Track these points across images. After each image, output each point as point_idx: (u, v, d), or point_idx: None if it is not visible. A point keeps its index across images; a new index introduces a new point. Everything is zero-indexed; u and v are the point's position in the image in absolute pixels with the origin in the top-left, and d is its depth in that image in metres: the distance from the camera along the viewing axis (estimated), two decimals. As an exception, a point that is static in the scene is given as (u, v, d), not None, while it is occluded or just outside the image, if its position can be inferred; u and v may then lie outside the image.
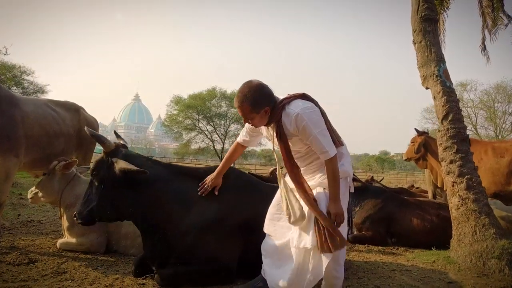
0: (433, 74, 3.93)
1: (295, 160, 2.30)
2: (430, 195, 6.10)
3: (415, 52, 4.26)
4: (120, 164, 2.54)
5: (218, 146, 32.06)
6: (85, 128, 2.80)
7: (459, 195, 3.61)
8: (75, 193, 3.72)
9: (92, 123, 4.65)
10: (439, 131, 3.95)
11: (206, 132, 32.27)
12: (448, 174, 3.74)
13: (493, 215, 3.60)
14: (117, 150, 2.69)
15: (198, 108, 31.29)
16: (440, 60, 3.98)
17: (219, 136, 32.33)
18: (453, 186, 3.68)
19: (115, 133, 3.31)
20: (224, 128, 32.37)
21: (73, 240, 3.60)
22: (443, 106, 3.85)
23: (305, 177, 2.31)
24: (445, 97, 3.85)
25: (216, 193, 2.63)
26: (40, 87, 29.34)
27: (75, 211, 3.61)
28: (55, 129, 4.01)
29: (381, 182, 7.82)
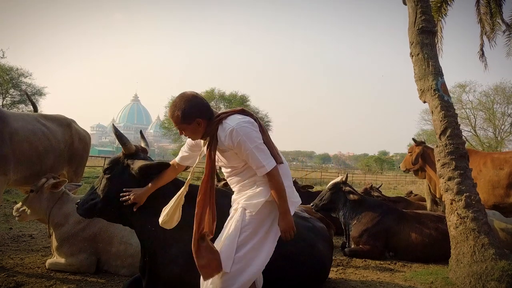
0: (431, 88, 3.85)
1: (232, 177, 2.27)
2: (428, 206, 6.02)
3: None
4: (138, 163, 2.48)
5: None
6: (112, 125, 2.69)
7: (457, 213, 3.53)
8: (64, 211, 3.63)
9: (84, 137, 4.57)
10: (437, 146, 3.87)
11: (205, 134, 32.20)
12: (447, 191, 3.65)
13: (493, 234, 3.51)
14: (136, 154, 2.60)
15: (196, 110, 31.21)
16: (437, 73, 3.90)
17: (218, 138, 32.23)
18: (451, 204, 3.60)
19: (141, 133, 3.20)
20: (222, 130, 32.29)
21: (62, 260, 3.51)
22: (441, 121, 3.77)
23: (237, 196, 2.25)
24: (443, 111, 3.77)
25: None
26: (38, 90, 29.28)
27: (64, 230, 3.59)
28: (45, 145, 3.92)
29: (379, 189, 7.79)
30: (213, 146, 2.12)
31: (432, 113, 3.90)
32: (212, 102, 32.08)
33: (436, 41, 5.38)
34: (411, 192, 9.28)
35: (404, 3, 4.25)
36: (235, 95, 32.40)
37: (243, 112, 2.17)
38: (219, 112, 2.16)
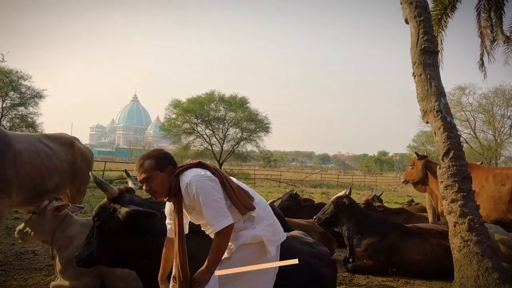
0: (434, 109, 3.87)
1: (204, 229, 2.25)
2: (430, 218, 6.03)
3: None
4: (124, 210, 2.46)
5: (217, 149, 32.07)
6: (90, 173, 2.73)
7: (461, 236, 3.54)
8: (67, 234, 3.62)
9: (87, 155, 4.57)
10: (439, 168, 3.88)
11: (205, 136, 32.21)
12: (450, 213, 3.67)
13: (496, 257, 3.52)
14: (121, 196, 2.58)
15: (196, 112, 31.24)
16: (440, 94, 3.91)
17: (217, 140, 32.30)
18: (455, 226, 3.61)
19: (126, 172, 3.20)
20: (222, 132, 32.32)
21: (66, 283, 3.51)
22: (443, 142, 3.78)
23: None
24: (446, 133, 3.78)
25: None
26: (38, 92, 29.27)
27: (68, 253, 3.59)
28: (48, 166, 3.93)
29: (380, 197, 7.82)
30: (180, 205, 2.10)
31: (435, 134, 3.91)
32: (212, 104, 32.09)
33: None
34: (412, 201, 9.27)
35: (407, 22, 4.26)
36: (235, 97, 32.43)
37: (201, 165, 2.15)
38: (178, 166, 2.16)
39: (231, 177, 2.24)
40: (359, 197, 13.52)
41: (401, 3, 4.31)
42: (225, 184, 2.10)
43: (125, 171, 3.16)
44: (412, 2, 4.12)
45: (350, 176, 39.10)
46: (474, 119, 28.05)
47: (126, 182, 2.86)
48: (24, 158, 3.73)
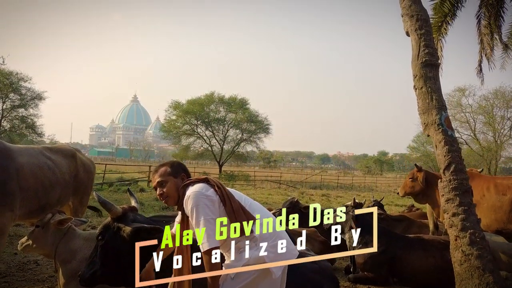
0: (435, 122, 3.88)
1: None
2: (431, 227, 6.05)
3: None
4: (128, 229, 2.49)
5: (217, 150, 32.13)
6: (94, 193, 2.79)
7: (462, 250, 3.56)
8: (70, 247, 3.63)
9: (89, 166, 4.59)
10: (440, 181, 3.90)
11: (205, 137, 32.25)
12: (451, 227, 3.68)
13: (498, 272, 3.54)
14: (125, 216, 2.62)
15: (196, 113, 31.29)
16: (441, 107, 3.92)
17: (217, 141, 32.35)
18: (456, 240, 3.63)
19: (129, 190, 3.23)
20: (222, 133, 32.37)
21: (70, 297, 3.52)
22: (444, 156, 3.79)
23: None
24: (447, 146, 3.79)
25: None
26: (38, 94, 29.29)
27: (71, 267, 3.60)
28: (51, 179, 3.95)
29: (381, 202, 7.83)
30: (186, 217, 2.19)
31: (436, 147, 3.92)
32: (212, 106, 32.13)
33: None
34: (412, 206, 9.26)
35: (408, 34, 4.27)
36: (235, 98, 32.49)
37: (207, 181, 2.24)
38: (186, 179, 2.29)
39: (235, 193, 2.28)
40: (359, 199, 13.49)
41: (402, 16, 4.31)
42: (226, 202, 2.16)
43: (128, 189, 3.19)
44: (413, 15, 4.13)
45: (350, 177, 39.08)
46: (474, 120, 28.13)
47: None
48: (27, 172, 3.74)
